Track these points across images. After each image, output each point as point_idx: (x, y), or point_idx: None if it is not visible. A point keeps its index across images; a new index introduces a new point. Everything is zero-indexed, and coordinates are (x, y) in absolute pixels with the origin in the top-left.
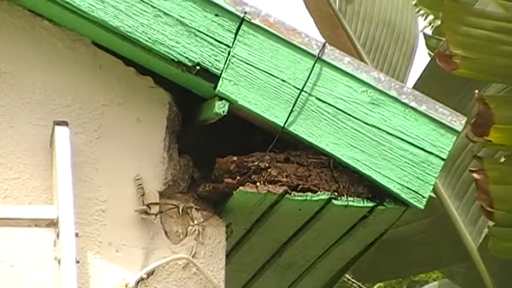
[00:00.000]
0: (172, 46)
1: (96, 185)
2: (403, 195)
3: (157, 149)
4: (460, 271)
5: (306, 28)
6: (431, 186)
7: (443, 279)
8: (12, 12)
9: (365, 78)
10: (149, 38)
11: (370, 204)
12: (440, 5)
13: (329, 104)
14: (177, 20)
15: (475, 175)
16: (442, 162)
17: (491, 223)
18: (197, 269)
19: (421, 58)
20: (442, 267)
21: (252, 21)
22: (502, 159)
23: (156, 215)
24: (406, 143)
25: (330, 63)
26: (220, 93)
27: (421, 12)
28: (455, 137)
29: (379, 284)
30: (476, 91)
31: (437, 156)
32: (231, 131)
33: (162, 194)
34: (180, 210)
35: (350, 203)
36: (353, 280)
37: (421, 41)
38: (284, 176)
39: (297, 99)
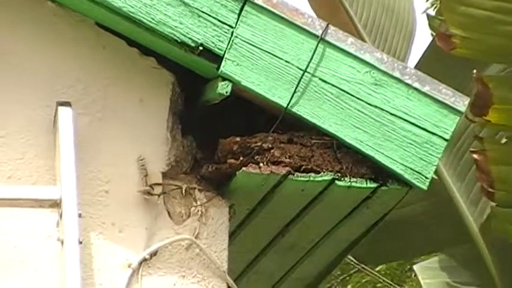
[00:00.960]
0: (176, 27)
1: (99, 166)
2: (406, 176)
3: (160, 129)
4: (461, 252)
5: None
6: (434, 167)
7: (443, 255)
8: None
9: (368, 59)
10: (152, 19)
11: (373, 185)
12: None
13: (332, 85)
14: (180, 0)
15: (476, 156)
16: (445, 143)
17: (493, 204)
18: (200, 250)
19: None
20: (444, 248)
21: (255, 1)
22: (504, 140)
23: (159, 196)
24: (409, 123)
25: (333, 43)
26: (223, 74)
27: None
28: (458, 118)
29: (381, 266)
30: (475, 71)
31: (440, 136)
32: (234, 111)
33: (165, 175)
34: (183, 191)
35: (353, 184)
36: (355, 261)
37: (425, 23)
38: (287, 156)
39: (300, 80)
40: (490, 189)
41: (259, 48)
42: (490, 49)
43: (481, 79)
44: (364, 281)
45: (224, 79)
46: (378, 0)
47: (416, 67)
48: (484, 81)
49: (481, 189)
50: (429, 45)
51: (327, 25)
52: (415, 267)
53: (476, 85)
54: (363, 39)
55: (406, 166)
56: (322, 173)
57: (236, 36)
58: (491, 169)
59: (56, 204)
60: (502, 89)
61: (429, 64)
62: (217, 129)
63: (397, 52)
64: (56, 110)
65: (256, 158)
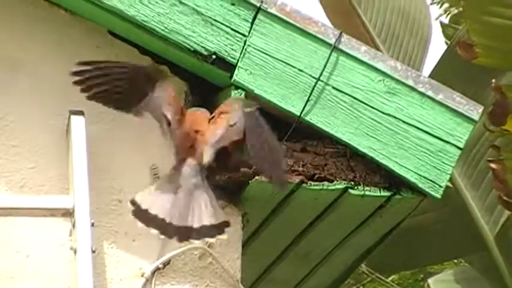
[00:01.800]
0: (189, 35)
1: (112, 175)
2: (420, 185)
3: None
4: (477, 259)
5: (321, 18)
6: (448, 176)
7: (458, 267)
8: (29, 2)
9: (381, 67)
10: (165, 28)
11: (387, 193)
12: None
13: (345, 93)
14: (193, 9)
15: (492, 165)
16: (459, 152)
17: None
18: (213, 259)
19: (437, 47)
20: (458, 257)
21: (269, 10)
22: None
23: None
24: (423, 132)
25: (346, 52)
26: (237, 82)
27: (436, 0)
28: (472, 126)
29: (393, 276)
30: (493, 80)
31: (454, 145)
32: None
33: None
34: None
35: (367, 193)
36: (369, 270)
37: (437, 29)
38: (300, 165)
39: (313, 89)
40: (506, 199)
41: (272, 56)
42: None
43: (500, 88)
44: None
45: (237, 87)
46: (393, 6)
47: (431, 75)
48: (503, 91)
49: (498, 198)
50: (444, 53)
51: (340, 33)
52: (429, 280)
53: (495, 94)
54: (377, 47)
55: (419, 175)
56: (335, 181)
57: (249, 45)
58: (508, 178)
59: (68, 213)
60: None
61: (444, 72)
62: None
63: (412, 58)
64: (69, 118)
65: None
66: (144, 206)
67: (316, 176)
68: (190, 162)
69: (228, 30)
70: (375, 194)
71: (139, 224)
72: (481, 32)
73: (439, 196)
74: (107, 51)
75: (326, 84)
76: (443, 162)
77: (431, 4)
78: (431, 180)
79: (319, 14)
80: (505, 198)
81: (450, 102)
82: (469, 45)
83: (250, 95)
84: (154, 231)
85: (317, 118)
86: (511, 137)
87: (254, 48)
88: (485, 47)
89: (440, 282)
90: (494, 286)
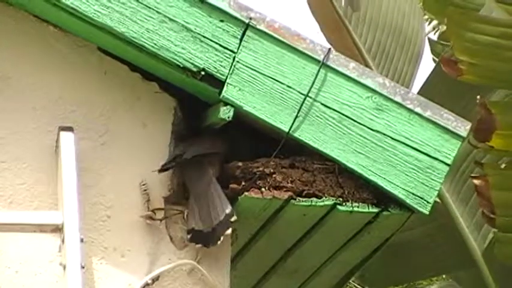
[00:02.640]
0: (178, 52)
1: (102, 191)
2: (408, 201)
3: (162, 154)
4: (465, 276)
5: (312, 33)
6: (436, 192)
7: (444, 282)
8: (18, 18)
9: (370, 84)
10: (155, 44)
11: (375, 209)
12: (444, 10)
13: (334, 110)
14: (183, 25)
15: (476, 181)
16: (447, 168)
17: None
18: (202, 275)
19: (426, 63)
20: (447, 272)
21: (257, 26)
22: (503, 165)
23: (161, 221)
24: (411, 148)
25: (334, 68)
26: (225, 99)
27: (426, 17)
28: (460, 143)
29: None
30: (478, 97)
31: (442, 161)
32: (235, 136)
33: (167, 200)
34: (185, 215)
35: (355, 209)
36: (358, 286)
37: (426, 46)
38: (289, 181)
39: (301, 105)
40: (491, 215)
41: (260, 73)
42: (496, 75)
43: (485, 105)
44: None
45: (226, 104)
46: (385, 22)
47: (420, 91)
48: (488, 107)
49: (482, 215)
50: (433, 70)
51: (329, 50)
52: None
53: (480, 111)
54: (367, 63)
55: (408, 191)
56: (324, 197)
57: (238, 61)
58: (492, 195)
59: (58, 229)
60: (505, 114)
61: (433, 88)
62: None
63: (402, 75)
64: (58, 134)
65: (258, 182)
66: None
67: (305, 192)
68: None
69: (217, 46)
70: (364, 210)
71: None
72: (465, 49)
73: (427, 212)
74: (97, 67)
75: (314, 100)
76: (432, 179)
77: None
78: (419, 197)
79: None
80: (489, 215)
81: (438, 118)
82: (453, 62)
83: (238, 111)
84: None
85: (306, 134)
86: (496, 154)
87: (243, 64)
88: (469, 64)
89: None
90: None
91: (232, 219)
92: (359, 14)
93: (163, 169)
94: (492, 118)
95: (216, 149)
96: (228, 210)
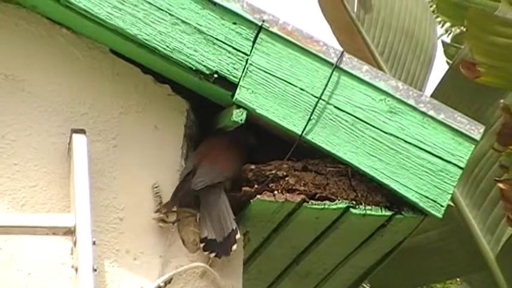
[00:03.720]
0: (190, 54)
1: (114, 193)
2: (421, 204)
3: (175, 156)
4: (478, 279)
5: (324, 36)
6: (450, 195)
7: (458, 285)
8: (31, 20)
9: (383, 87)
10: (167, 46)
11: (388, 213)
12: (459, 14)
13: (347, 113)
14: (195, 28)
15: (501, 185)
16: (460, 171)
17: None
18: (214, 278)
19: (439, 66)
20: (460, 276)
21: (270, 29)
22: None
23: (173, 223)
24: (424, 151)
25: (347, 71)
26: (238, 102)
27: (438, 19)
28: (473, 146)
29: None
30: (502, 101)
31: (455, 165)
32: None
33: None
34: (197, 219)
35: (368, 212)
36: None
37: (439, 49)
38: (302, 184)
39: (314, 108)
40: None
41: (273, 75)
42: None
43: (508, 108)
44: None
45: (239, 107)
46: (397, 26)
47: (433, 94)
48: (511, 111)
49: (506, 219)
50: (446, 73)
51: (342, 52)
52: None
53: (504, 115)
54: (379, 66)
55: (421, 194)
56: (337, 200)
57: (251, 64)
58: None
59: (70, 231)
60: None
61: (446, 91)
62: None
63: (414, 78)
64: (71, 137)
65: (271, 185)
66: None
67: (318, 195)
68: None
69: (230, 49)
70: (376, 214)
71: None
72: (484, 51)
73: (440, 216)
74: (109, 70)
75: (327, 103)
76: (445, 182)
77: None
78: (432, 200)
79: (326, 31)
80: None
81: (451, 121)
82: (472, 64)
83: (251, 114)
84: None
85: (318, 137)
86: None
87: (256, 67)
88: (488, 67)
89: None
90: None
91: (237, 236)
92: (371, 17)
93: (172, 202)
94: None
95: (226, 174)
96: (234, 226)
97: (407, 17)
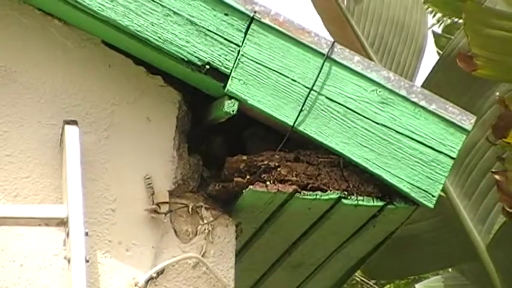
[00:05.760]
0: (182, 45)
1: (106, 184)
2: (412, 194)
3: (167, 148)
4: (469, 269)
5: (315, 28)
6: (441, 185)
7: (447, 273)
8: (23, 11)
9: (375, 77)
10: (159, 38)
11: (380, 203)
12: (451, 5)
13: (339, 103)
14: (187, 19)
15: (497, 176)
16: (452, 161)
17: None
18: (207, 268)
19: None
20: (451, 266)
21: (262, 20)
22: None
23: (165, 214)
24: (416, 142)
25: (339, 62)
26: (230, 93)
27: (429, 9)
28: (464, 136)
29: (388, 286)
30: (498, 93)
31: (446, 155)
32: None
33: (171, 193)
34: (190, 209)
35: (360, 202)
36: (363, 278)
37: (430, 39)
38: (294, 175)
39: (306, 99)
40: (510, 211)
41: (265, 66)
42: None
43: (503, 101)
44: None
45: (231, 97)
46: (387, 17)
47: (424, 85)
48: (506, 103)
49: (502, 210)
50: (436, 63)
51: (333, 43)
52: (417, 286)
53: (499, 107)
54: (369, 57)
55: (412, 184)
56: (328, 191)
57: (243, 55)
58: None
59: (62, 222)
60: None
61: (436, 82)
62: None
63: (405, 69)
64: (63, 128)
65: (263, 176)
66: None
67: (310, 186)
68: None
69: (222, 40)
70: (368, 204)
71: None
72: (482, 44)
73: (432, 206)
74: (101, 61)
75: (319, 94)
76: (436, 172)
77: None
78: (424, 190)
79: (317, 23)
80: (509, 210)
81: (443, 112)
82: (469, 57)
83: (243, 105)
84: None
85: (310, 128)
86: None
87: (247, 58)
88: (486, 59)
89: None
90: None
91: None
92: (361, 8)
93: None
94: (511, 114)
95: None
96: None
97: (397, 7)
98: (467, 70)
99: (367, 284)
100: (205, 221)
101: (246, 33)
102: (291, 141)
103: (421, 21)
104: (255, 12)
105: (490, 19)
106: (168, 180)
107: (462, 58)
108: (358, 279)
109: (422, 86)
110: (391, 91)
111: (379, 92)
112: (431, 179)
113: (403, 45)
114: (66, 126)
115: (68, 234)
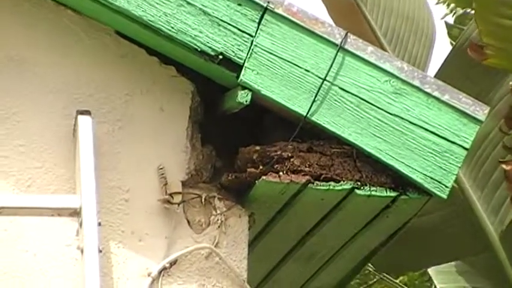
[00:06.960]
0: (196, 35)
1: (119, 175)
2: (426, 185)
3: (180, 138)
4: (481, 260)
5: (328, 18)
6: (454, 176)
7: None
8: (36, 2)
9: (388, 68)
10: (172, 28)
11: (393, 194)
12: None
13: (352, 94)
14: (200, 9)
15: (505, 166)
16: (465, 152)
17: None
18: (220, 259)
19: (442, 47)
20: (464, 257)
21: (275, 10)
22: None
23: (178, 205)
24: (429, 132)
25: (352, 52)
26: (243, 83)
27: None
28: (478, 127)
29: (401, 277)
30: (511, 83)
31: (460, 145)
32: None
33: (184, 184)
34: (203, 200)
35: (373, 193)
36: (375, 271)
37: (442, 30)
38: (307, 165)
39: (319, 89)
40: None
41: (278, 57)
42: None
43: None
44: None
45: (244, 88)
46: (398, 9)
47: (436, 76)
48: None
49: (510, 200)
50: (449, 54)
51: (346, 33)
52: (429, 270)
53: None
54: (383, 48)
55: (426, 175)
56: (342, 182)
57: (256, 45)
58: None
59: (75, 212)
60: None
61: (449, 72)
62: (237, 137)
63: (417, 60)
64: (76, 118)
65: (276, 166)
66: None
67: (323, 176)
68: None
69: (235, 30)
70: (381, 195)
71: None
72: (492, 34)
73: (445, 196)
74: (114, 51)
75: (332, 84)
76: (450, 163)
77: (436, 4)
78: (437, 181)
79: (326, 16)
80: None
81: (456, 102)
82: (479, 46)
83: (256, 95)
84: None
85: (323, 118)
86: None
87: (261, 48)
88: (496, 49)
89: (441, 273)
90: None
91: None
92: (374, 0)
93: None
94: None
95: None
96: None
97: (407, 1)
98: (478, 60)
99: (380, 274)
100: (218, 212)
101: (259, 24)
102: (304, 132)
103: (430, 16)
104: (268, 2)
105: (500, 8)
106: (181, 171)
107: (473, 48)
108: (370, 269)
109: (435, 76)
110: (404, 81)
111: (393, 82)
112: (444, 169)
113: (414, 37)
114: (80, 117)
115: (81, 225)
